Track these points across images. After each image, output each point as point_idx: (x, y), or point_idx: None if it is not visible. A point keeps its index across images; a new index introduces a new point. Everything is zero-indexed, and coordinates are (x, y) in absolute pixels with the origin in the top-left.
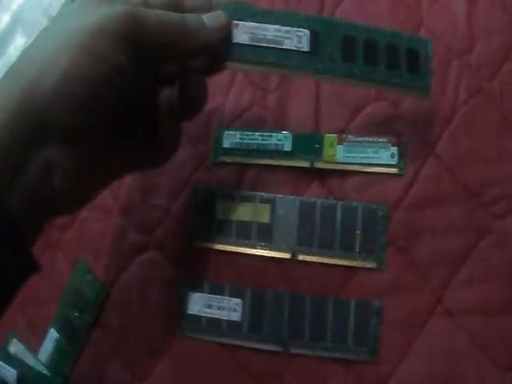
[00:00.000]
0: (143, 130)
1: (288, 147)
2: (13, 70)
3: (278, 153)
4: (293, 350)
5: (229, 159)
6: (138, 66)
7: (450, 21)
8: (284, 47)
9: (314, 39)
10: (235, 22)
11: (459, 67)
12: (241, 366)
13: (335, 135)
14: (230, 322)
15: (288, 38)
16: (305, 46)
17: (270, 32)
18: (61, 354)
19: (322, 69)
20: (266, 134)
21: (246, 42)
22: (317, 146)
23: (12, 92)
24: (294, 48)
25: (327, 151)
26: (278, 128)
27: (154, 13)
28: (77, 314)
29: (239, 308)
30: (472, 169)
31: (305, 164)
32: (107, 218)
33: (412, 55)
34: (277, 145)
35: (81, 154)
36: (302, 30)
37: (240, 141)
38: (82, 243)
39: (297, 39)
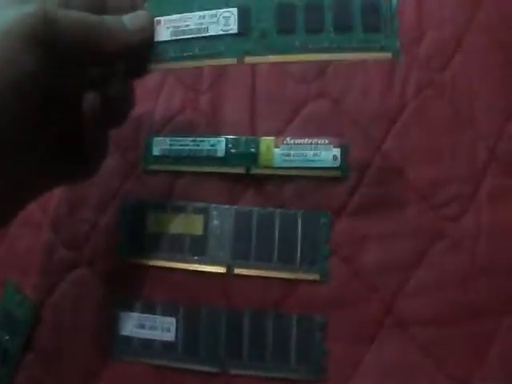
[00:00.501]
0: (66, 139)
1: (221, 153)
2: None
3: (211, 159)
4: (231, 371)
5: (159, 167)
6: (52, 69)
7: (398, 9)
8: (209, 34)
9: (244, 17)
10: (157, 18)
11: (408, 59)
12: None
13: (272, 138)
14: (163, 343)
15: (213, 22)
16: (233, 28)
17: (194, 20)
18: None
19: (253, 49)
20: (198, 139)
21: (169, 38)
22: (252, 150)
23: None
24: (221, 32)
25: (264, 155)
26: (212, 132)
27: (68, 13)
28: (7, 338)
29: (173, 327)
30: (422, 168)
31: (240, 170)
32: (36, 234)
33: (368, 9)
34: (209, 150)
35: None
36: (229, 9)
37: (170, 147)
38: (10, 261)
39: (223, 21)
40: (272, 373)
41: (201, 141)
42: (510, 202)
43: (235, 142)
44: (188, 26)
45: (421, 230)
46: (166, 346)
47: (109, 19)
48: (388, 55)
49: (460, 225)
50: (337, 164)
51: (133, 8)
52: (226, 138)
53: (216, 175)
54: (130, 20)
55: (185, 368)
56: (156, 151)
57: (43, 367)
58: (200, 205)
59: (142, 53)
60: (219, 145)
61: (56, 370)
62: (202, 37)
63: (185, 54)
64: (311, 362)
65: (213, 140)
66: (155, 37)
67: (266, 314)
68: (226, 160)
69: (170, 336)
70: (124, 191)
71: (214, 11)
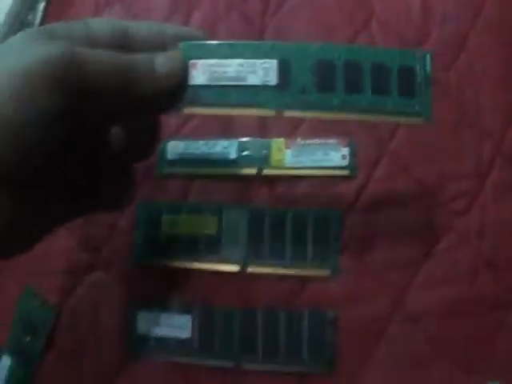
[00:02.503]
0: (86, 174)
1: (234, 155)
2: None
3: (224, 161)
4: (245, 366)
5: (174, 171)
6: (79, 110)
7: (403, 9)
8: (248, 83)
9: (283, 70)
10: (193, 61)
11: None
12: None
13: (282, 139)
14: (179, 340)
15: (252, 72)
16: (272, 80)
17: (232, 67)
18: (14, 381)
19: (292, 103)
20: (210, 142)
21: (205, 83)
22: (264, 151)
23: None
24: (260, 83)
25: (275, 156)
26: (224, 135)
27: (97, 54)
28: (29, 339)
29: (189, 325)
30: (429, 165)
31: (252, 171)
32: (54, 238)
33: (405, 75)
34: (222, 153)
35: (19, 200)
36: (268, 60)
37: (184, 151)
38: (29, 265)
39: (263, 72)
40: (285, 367)
41: (214, 144)
42: None
43: (247, 145)
44: (226, 72)
45: (428, 225)
46: (183, 343)
47: (139, 60)
48: (420, 120)
49: (466, 220)
50: (346, 163)
51: (163, 45)
52: (239, 141)
53: (229, 177)
54: (162, 62)
55: (201, 364)
56: (170, 155)
57: (63, 368)
58: (214, 205)
59: (171, 96)
60: (231, 147)
61: (76, 370)
62: (241, 85)
63: (222, 101)
64: (323, 356)
65: (225, 143)
66: (189, 80)
67: (279, 311)
68: (238, 162)
69: (186, 333)
70: (139, 195)
71: (253, 61)
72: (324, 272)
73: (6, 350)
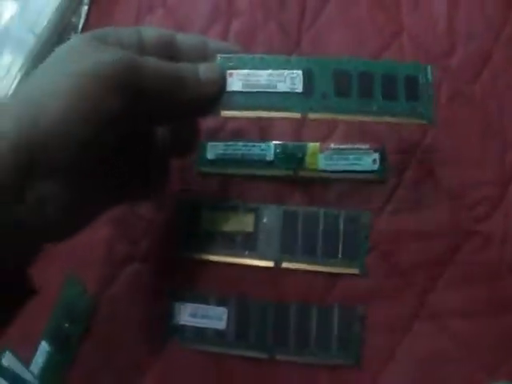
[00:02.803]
0: (135, 167)
1: (270, 157)
2: (8, 109)
3: (261, 162)
4: (278, 357)
5: (213, 170)
6: (134, 111)
7: (431, 24)
8: (277, 90)
9: (307, 79)
10: (230, 71)
11: (440, 71)
12: (226, 374)
13: (317, 144)
14: (215, 331)
15: (281, 81)
16: (298, 87)
17: (263, 77)
18: (52, 367)
19: (315, 107)
20: (249, 144)
21: (240, 89)
22: (299, 155)
23: (8, 132)
24: (288, 90)
25: (309, 160)
26: (261, 138)
27: (150, 62)
28: (67, 326)
29: (224, 317)
30: (454, 172)
31: (287, 173)
32: (96, 228)
33: (410, 82)
34: (259, 155)
35: (74, 188)
36: (294, 71)
37: (224, 151)
38: (71, 254)
39: (290, 81)
40: (315, 359)
41: (252, 146)
42: None
43: (283, 148)
44: (258, 81)
45: (453, 228)
46: (218, 334)
47: (184, 68)
48: (424, 121)
49: (489, 225)
50: (376, 168)
51: (204, 57)
52: (275, 144)
53: (265, 178)
54: (205, 71)
55: (235, 354)
56: (210, 155)
57: (101, 356)
58: (251, 204)
59: (211, 101)
60: (269, 150)
61: (113, 358)
62: (271, 92)
63: (256, 105)
64: (351, 351)
65: (263, 145)
66: (227, 87)
67: (311, 305)
68: (274, 164)
69: (221, 325)
70: (179, 192)
71: (281, 71)
72: (353, 270)
73: (44, 336)
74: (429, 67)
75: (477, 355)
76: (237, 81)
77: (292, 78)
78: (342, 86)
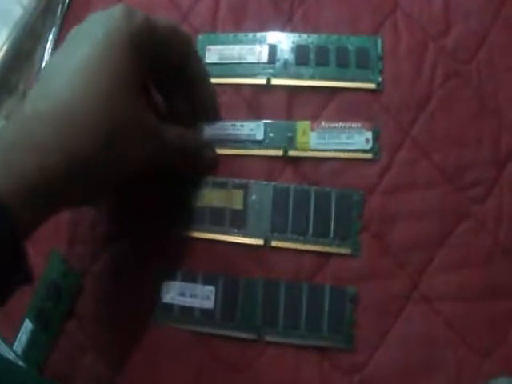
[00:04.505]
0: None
1: (260, 136)
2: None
3: (251, 142)
4: (267, 338)
5: None
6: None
7: (426, 2)
8: (247, 61)
9: (272, 52)
10: (208, 46)
11: (435, 50)
12: (214, 355)
13: (308, 122)
14: (203, 310)
15: (250, 53)
16: (264, 58)
17: (236, 51)
18: (35, 345)
19: (277, 74)
20: (238, 123)
21: (217, 61)
22: (289, 134)
23: None
24: (255, 61)
25: (300, 139)
26: (251, 117)
27: (159, 20)
28: (51, 305)
29: (212, 296)
30: (449, 152)
31: (278, 152)
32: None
33: (361, 53)
34: (249, 134)
35: None
36: (262, 45)
37: (212, 131)
38: (56, 232)
39: (257, 54)
40: (305, 340)
41: (241, 125)
42: None
43: (273, 127)
44: (231, 54)
45: (447, 210)
46: (206, 313)
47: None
48: (373, 85)
49: (484, 207)
50: (369, 146)
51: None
52: (265, 123)
53: (255, 157)
54: None
55: (223, 334)
56: None
57: (85, 333)
58: (240, 181)
59: None
60: (258, 129)
61: (98, 335)
62: (241, 63)
63: (230, 73)
64: (342, 332)
65: (252, 124)
66: (206, 59)
67: (301, 285)
68: (264, 143)
69: (209, 304)
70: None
71: (250, 46)
72: (345, 250)
73: (28, 314)
74: (379, 40)
75: (469, 338)
76: (214, 54)
77: (259, 52)
78: (301, 57)
